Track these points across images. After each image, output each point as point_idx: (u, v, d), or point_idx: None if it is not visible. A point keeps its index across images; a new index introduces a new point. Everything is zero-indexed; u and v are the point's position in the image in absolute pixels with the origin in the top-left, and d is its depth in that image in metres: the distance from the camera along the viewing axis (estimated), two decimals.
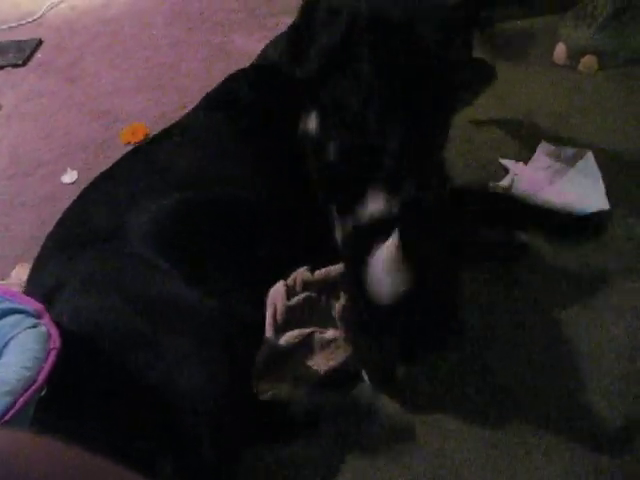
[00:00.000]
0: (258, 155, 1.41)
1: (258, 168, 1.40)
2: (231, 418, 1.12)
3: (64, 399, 1.05)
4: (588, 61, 1.94)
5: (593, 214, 1.45)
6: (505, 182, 1.58)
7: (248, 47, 2.35)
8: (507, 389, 1.23)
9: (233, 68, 1.57)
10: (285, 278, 1.37)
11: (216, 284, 1.25)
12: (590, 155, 1.55)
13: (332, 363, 1.25)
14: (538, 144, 1.64)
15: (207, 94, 1.55)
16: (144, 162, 1.44)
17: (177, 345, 1.11)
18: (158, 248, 1.26)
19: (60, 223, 1.37)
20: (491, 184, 1.58)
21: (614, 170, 1.60)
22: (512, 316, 1.35)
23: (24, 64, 2.73)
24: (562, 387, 1.22)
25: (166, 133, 1.54)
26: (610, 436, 1.14)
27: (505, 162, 1.65)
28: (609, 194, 1.51)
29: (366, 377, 1.25)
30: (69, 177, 1.94)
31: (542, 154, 1.62)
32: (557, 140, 1.65)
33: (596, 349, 1.27)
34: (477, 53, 2.07)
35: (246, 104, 1.47)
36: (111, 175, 1.45)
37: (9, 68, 2.72)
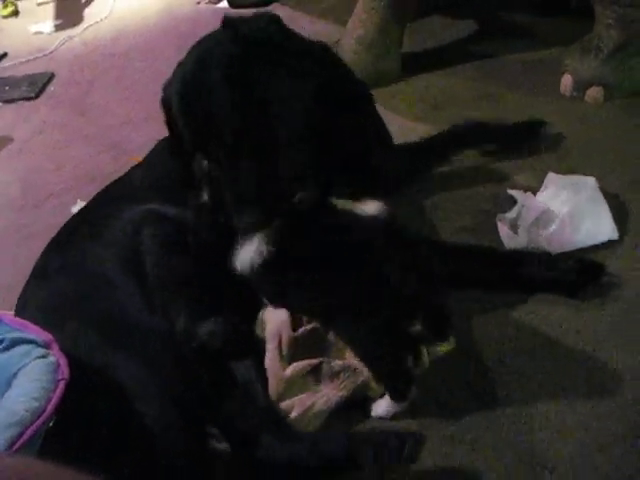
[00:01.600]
0: None
1: None
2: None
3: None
4: (594, 92, 1.95)
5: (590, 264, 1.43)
6: (513, 213, 1.58)
7: None
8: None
9: None
10: None
11: (178, 307, 1.26)
12: (595, 184, 1.55)
13: (342, 393, 1.24)
14: (546, 175, 1.64)
15: None
16: (118, 189, 1.55)
17: (132, 375, 1.12)
18: (121, 266, 1.30)
19: (42, 253, 1.45)
20: (499, 215, 1.58)
21: (621, 200, 1.60)
22: (517, 344, 1.34)
23: (36, 97, 2.77)
24: (577, 418, 1.21)
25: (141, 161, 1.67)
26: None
27: (513, 193, 1.65)
28: (617, 224, 1.50)
29: (378, 408, 1.25)
30: (78, 208, 1.95)
31: (550, 184, 1.62)
32: (565, 171, 1.65)
33: (610, 383, 1.25)
34: (485, 84, 2.12)
35: None
36: (89, 204, 1.58)
37: (22, 101, 2.77)
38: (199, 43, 1.31)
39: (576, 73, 1.97)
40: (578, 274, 1.40)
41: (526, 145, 1.83)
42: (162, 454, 1.07)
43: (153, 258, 1.28)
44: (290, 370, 1.26)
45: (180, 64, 1.32)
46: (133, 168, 1.65)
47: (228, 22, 1.28)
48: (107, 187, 1.60)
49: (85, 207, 1.60)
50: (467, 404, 1.25)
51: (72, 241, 1.42)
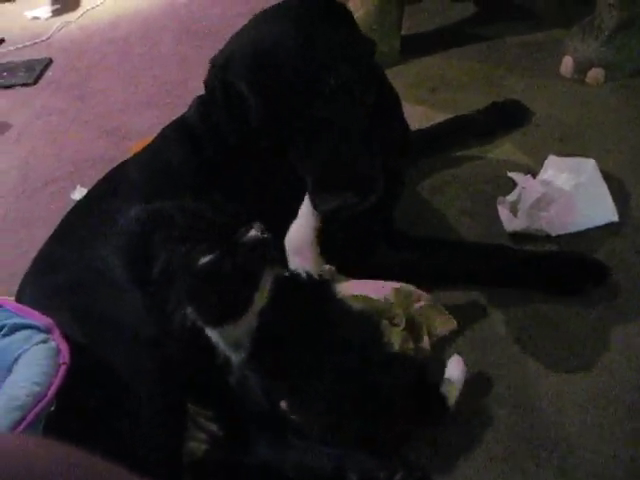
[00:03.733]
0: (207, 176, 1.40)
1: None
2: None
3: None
4: (595, 74, 1.94)
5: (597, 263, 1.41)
6: (513, 196, 1.57)
7: None
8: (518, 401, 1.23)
9: None
10: None
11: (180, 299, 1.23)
12: (595, 166, 1.54)
13: None
14: (546, 157, 1.64)
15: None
16: (123, 179, 1.48)
17: (115, 375, 1.11)
18: (125, 267, 1.26)
19: (43, 245, 1.43)
20: (499, 198, 1.58)
21: (621, 182, 1.60)
22: (521, 332, 1.35)
23: (34, 83, 2.77)
24: (577, 398, 1.21)
25: (135, 155, 1.59)
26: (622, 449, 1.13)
27: (513, 175, 1.65)
28: (617, 206, 1.50)
29: None
30: (79, 194, 1.95)
31: (550, 167, 1.61)
32: (565, 153, 1.65)
33: (610, 362, 1.26)
34: (485, 67, 2.11)
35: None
36: (91, 193, 1.53)
37: (19, 87, 2.76)
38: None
39: (577, 54, 1.96)
40: (582, 276, 1.39)
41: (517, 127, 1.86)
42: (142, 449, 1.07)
43: (163, 263, 1.25)
44: None
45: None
46: (138, 155, 1.58)
47: None
48: (110, 175, 1.55)
49: (87, 197, 1.54)
50: (464, 386, 1.25)
51: (73, 235, 1.39)
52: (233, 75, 1.23)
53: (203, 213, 1.25)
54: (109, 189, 1.48)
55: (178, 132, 1.49)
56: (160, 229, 1.22)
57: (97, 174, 1.62)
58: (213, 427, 1.20)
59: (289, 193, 1.24)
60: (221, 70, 1.27)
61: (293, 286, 1.14)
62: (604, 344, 1.28)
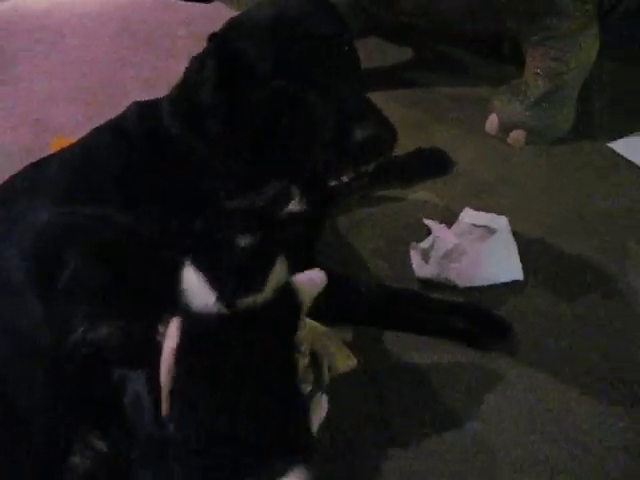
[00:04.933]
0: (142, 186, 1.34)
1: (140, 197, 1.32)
2: None
3: None
4: (516, 135, 2.02)
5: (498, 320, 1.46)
6: (426, 243, 1.61)
7: None
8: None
9: None
10: None
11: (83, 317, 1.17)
12: (507, 224, 1.61)
13: None
14: (463, 208, 1.69)
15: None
16: (42, 177, 1.40)
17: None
18: (29, 269, 1.20)
19: None
20: (413, 244, 1.62)
21: (530, 242, 1.66)
22: (421, 376, 1.37)
23: None
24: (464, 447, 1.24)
25: (59, 152, 1.50)
26: None
27: (429, 223, 1.69)
28: (523, 266, 1.56)
29: None
30: None
31: (465, 219, 1.66)
32: (481, 207, 1.71)
33: (501, 416, 1.29)
34: (414, 113, 2.16)
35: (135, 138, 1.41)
36: (4, 187, 1.43)
37: None
38: None
39: (502, 114, 2.04)
40: (484, 330, 1.44)
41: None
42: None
43: (71, 273, 1.19)
44: None
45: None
46: (63, 151, 1.47)
47: None
48: (28, 170, 1.44)
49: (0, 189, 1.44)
50: (360, 432, 1.27)
51: None
52: (246, 36, 1.29)
53: (127, 225, 1.21)
54: (25, 184, 1.39)
55: (112, 133, 1.43)
56: (73, 239, 1.18)
57: (12, 166, 1.54)
58: (99, 444, 1.16)
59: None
60: (225, 39, 1.31)
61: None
62: (511, 401, 1.32)
